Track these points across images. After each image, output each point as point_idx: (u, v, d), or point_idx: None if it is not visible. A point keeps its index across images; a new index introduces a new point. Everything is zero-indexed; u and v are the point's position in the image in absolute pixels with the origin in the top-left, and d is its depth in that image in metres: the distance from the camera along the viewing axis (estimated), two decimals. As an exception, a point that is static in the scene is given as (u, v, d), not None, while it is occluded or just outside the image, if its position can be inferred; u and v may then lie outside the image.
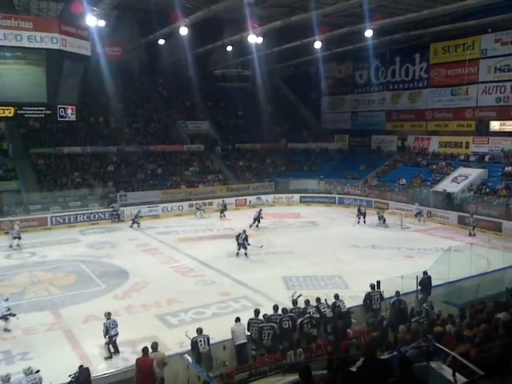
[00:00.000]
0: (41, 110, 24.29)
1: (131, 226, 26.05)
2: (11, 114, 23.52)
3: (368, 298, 12.03)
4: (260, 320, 10.58)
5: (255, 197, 33.17)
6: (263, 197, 33.38)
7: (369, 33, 27.13)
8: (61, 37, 22.64)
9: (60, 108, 24.37)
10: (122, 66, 36.13)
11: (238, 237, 20.05)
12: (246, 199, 32.82)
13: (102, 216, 27.80)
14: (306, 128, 43.42)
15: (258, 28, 27.09)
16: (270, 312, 10.99)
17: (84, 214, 27.42)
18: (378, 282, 12.35)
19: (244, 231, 20.40)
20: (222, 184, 34.53)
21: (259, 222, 25.65)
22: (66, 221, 26.63)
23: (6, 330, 12.70)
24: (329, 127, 42.78)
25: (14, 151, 31.20)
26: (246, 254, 19.84)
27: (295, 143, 40.85)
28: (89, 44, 24.63)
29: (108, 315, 11.57)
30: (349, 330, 10.78)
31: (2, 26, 21.42)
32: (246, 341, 10.23)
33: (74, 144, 33.11)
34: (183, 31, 26.54)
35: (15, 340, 12.19)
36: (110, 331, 11.30)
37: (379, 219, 25.89)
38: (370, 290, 12.19)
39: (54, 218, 26.42)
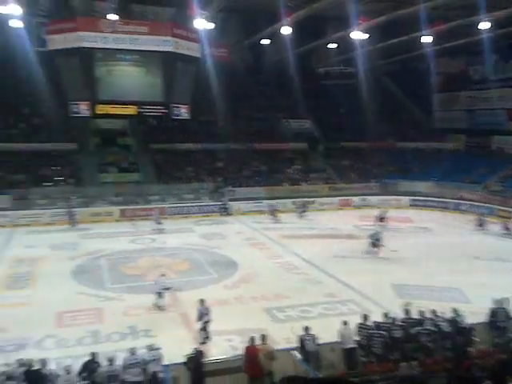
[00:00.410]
0: (158, 109, 26.31)
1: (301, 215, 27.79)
2: (133, 112, 25.81)
3: (493, 314, 10.98)
4: (369, 326, 10.39)
5: (360, 197, 32.69)
6: (368, 198, 32.74)
7: (484, 25, 25.46)
8: (174, 40, 24.31)
9: (175, 107, 26.24)
10: (228, 66, 37.59)
11: (372, 235, 19.91)
12: (349, 199, 32.53)
13: (213, 209, 29.41)
14: (414, 126, 41.73)
15: (362, 24, 26.74)
16: (379, 319, 10.82)
17: (196, 206, 29.29)
18: (505, 299, 11.28)
19: (379, 231, 20.29)
20: (324, 183, 34.62)
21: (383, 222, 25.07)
22: (181, 212, 28.61)
23: (159, 306, 13.82)
24: (441, 126, 40.61)
25: (137, 146, 34.19)
26: (376, 253, 19.46)
27: (403, 142, 39.19)
28: (199, 46, 26.07)
29: (201, 302, 12.19)
30: (470, 349, 9.97)
31: (122, 31, 23.50)
32: (354, 345, 10.16)
33: (187, 141, 35.29)
34: (286, 30, 26.99)
35: (139, 317, 13.42)
36: (204, 317, 11.91)
37: (506, 229, 23.61)
38: (494, 305, 11.17)
39: (170, 209, 28.57)
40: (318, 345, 10.01)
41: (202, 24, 24.82)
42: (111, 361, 9.04)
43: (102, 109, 25.26)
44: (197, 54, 25.81)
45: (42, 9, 32.74)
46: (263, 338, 9.70)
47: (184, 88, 26.30)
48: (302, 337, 9.99)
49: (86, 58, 23.84)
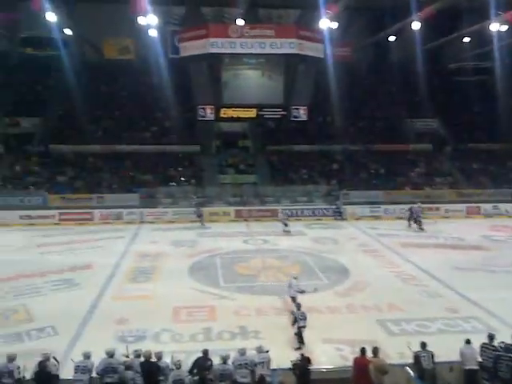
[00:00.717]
0: (277, 111, 26.56)
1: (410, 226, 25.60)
2: (253, 115, 26.37)
3: None
4: (496, 347, 9.39)
5: (491, 205, 29.81)
6: (501, 206, 29.75)
7: None
8: (298, 41, 24.28)
9: (293, 109, 26.30)
10: (349, 65, 36.85)
11: None
12: (479, 207, 29.83)
13: (326, 212, 29.02)
14: None
15: (503, 15, 24.43)
16: (507, 340, 9.67)
17: (309, 209, 29.15)
18: None
19: None
20: (450, 188, 32.26)
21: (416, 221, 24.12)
22: (294, 214, 28.64)
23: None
24: None
25: (254, 148, 35.08)
26: None
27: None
28: (322, 46, 25.83)
29: (298, 306, 11.99)
30: None
31: (249, 36, 24.07)
32: (477, 367, 9.30)
33: (303, 142, 35.29)
34: (415, 26, 25.65)
35: (250, 318, 13.54)
36: (299, 322, 11.66)
37: None
38: None
39: (284, 211, 28.68)
40: (435, 363, 9.29)
41: (326, 24, 24.58)
42: (224, 359, 9.18)
43: (225, 112, 26.24)
44: (320, 55, 25.68)
45: (176, 17, 35.39)
46: (375, 350, 9.22)
47: (304, 89, 26.34)
48: (418, 353, 9.34)
49: (214, 63, 24.98)
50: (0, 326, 13.03)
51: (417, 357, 9.29)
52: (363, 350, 9.10)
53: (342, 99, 36.10)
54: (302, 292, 13.61)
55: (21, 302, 14.77)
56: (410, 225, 25.89)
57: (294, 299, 13.37)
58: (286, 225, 24.77)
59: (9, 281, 16.82)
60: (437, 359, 9.42)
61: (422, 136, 37.16)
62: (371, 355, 9.13)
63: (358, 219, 28.75)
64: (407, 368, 9.27)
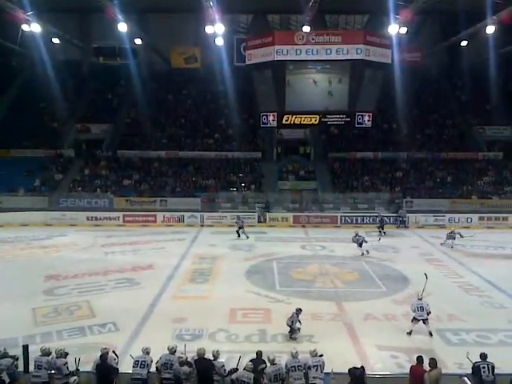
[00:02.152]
0: (341, 118, 26.18)
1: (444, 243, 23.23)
2: (316, 122, 26.18)
3: None
4: None
5: None
6: None
7: None
8: (365, 47, 23.86)
9: (358, 115, 25.81)
10: (418, 71, 35.88)
11: None
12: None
13: (388, 220, 28.31)
14: None
15: None
16: None
17: (370, 217, 28.55)
18: None
19: None
20: (521, 197, 30.47)
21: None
22: (354, 221, 28.24)
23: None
24: None
25: (315, 155, 34.99)
26: None
27: None
28: (390, 52, 25.29)
29: (298, 311, 12.53)
30: None
31: (315, 43, 23.97)
32: None
33: (366, 149, 34.75)
34: (490, 30, 24.56)
35: (304, 323, 13.28)
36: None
37: None
38: None
39: (343, 218, 28.50)
40: (496, 375, 8.85)
41: (395, 29, 24.12)
42: (272, 361, 9.22)
43: (288, 119, 26.26)
44: (387, 61, 25.12)
45: (243, 26, 36.22)
46: (432, 363, 8.89)
47: (369, 95, 25.80)
48: (478, 364, 8.92)
49: (279, 70, 25.09)
50: (65, 320, 13.77)
51: (476, 368, 8.89)
52: (420, 359, 8.87)
53: (410, 106, 35.24)
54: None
55: (85, 298, 15.51)
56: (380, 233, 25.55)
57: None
58: (240, 229, 24.63)
59: (74, 278, 17.76)
60: (497, 371, 8.98)
61: (492, 144, 35.56)
62: (428, 368, 8.79)
63: (420, 228, 27.86)
64: (465, 378, 8.85)
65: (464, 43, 32.46)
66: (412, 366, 8.90)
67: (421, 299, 12.79)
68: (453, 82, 39.88)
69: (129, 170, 33.51)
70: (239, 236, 24.68)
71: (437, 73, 40.35)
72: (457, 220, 28.20)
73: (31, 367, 9.25)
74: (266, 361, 9.22)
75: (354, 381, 8.86)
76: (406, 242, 24.30)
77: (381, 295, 15.95)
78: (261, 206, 28.67)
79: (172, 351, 9.25)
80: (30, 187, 31.19)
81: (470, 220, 28.18)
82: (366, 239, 21.52)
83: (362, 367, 9.12)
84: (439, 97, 39.41)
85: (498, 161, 34.21)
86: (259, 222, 27.08)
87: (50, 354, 9.05)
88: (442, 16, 34.96)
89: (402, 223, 27.93)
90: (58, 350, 9.05)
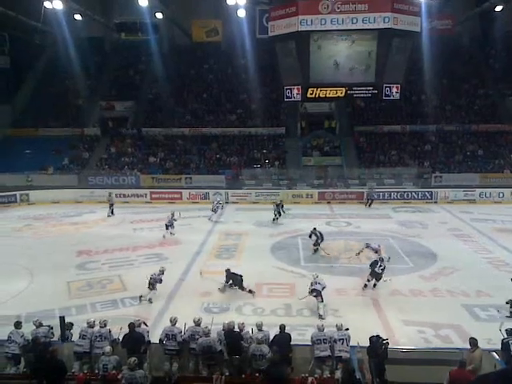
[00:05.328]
0: (368, 90, 25.48)
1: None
2: (342, 94, 25.59)
3: None
4: None
5: None
6: None
7: None
8: (393, 15, 22.96)
9: (386, 87, 25.01)
10: (448, 40, 34.60)
11: None
12: None
13: (415, 195, 27.86)
14: None
15: None
16: None
17: (397, 192, 28.11)
18: None
19: None
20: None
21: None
22: (381, 197, 27.81)
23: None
24: None
25: (340, 129, 34.39)
26: None
27: None
28: (419, 20, 24.36)
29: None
30: None
31: (340, 12, 23.23)
32: None
33: (393, 123, 34.00)
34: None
35: (329, 297, 13.37)
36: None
37: None
38: None
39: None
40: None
41: (425, -5, 23.29)
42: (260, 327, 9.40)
43: (312, 92, 25.73)
44: (416, 29, 24.14)
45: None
46: (473, 340, 8.63)
47: (397, 66, 24.88)
48: (507, 340, 8.80)
49: (302, 41, 24.44)
50: (98, 293, 14.28)
51: (505, 344, 8.76)
52: (462, 363, 7.95)
53: (439, 76, 34.11)
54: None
55: (116, 272, 15.99)
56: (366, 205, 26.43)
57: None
58: (214, 211, 23.75)
59: (105, 253, 18.24)
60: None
61: (527, 115, 34.18)
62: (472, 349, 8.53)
63: (449, 203, 27.28)
64: (494, 354, 8.71)
65: (498, 8, 31.02)
66: (451, 371, 7.88)
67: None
68: (485, 50, 38.31)
69: (154, 147, 33.74)
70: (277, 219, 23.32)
71: (468, 41, 38.85)
72: (488, 195, 27.49)
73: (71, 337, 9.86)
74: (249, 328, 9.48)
75: (371, 347, 8.93)
76: (433, 218, 23.88)
77: (408, 271, 15.81)
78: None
79: (198, 323, 9.48)
80: (58, 166, 31.80)
81: (501, 195, 27.44)
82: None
83: (383, 338, 9.10)
84: (470, 66, 37.87)
85: (531, 133, 33.00)
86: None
87: (95, 326, 9.54)
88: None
89: (369, 202, 26.79)
90: (103, 321, 9.59)
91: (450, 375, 7.82)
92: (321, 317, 12.26)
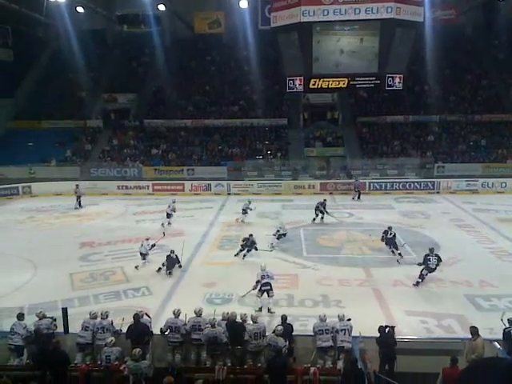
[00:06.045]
0: (371, 80, 25.38)
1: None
2: (344, 85, 25.48)
3: None
4: None
5: None
6: None
7: None
8: (395, 5, 22.77)
9: (388, 77, 24.88)
10: (452, 30, 34.29)
11: None
12: None
13: (418, 186, 27.80)
14: None
15: None
16: None
17: (400, 183, 28.05)
18: None
19: None
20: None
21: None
22: (383, 187, 27.83)
23: None
24: None
25: (343, 120, 34.26)
26: None
27: None
28: (422, 10, 24.18)
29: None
30: None
31: (343, 2, 23.08)
32: None
33: (396, 113, 33.83)
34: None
35: (332, 288, 13.60)
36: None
37: None
38: None
39: (372, 184, 28.08)
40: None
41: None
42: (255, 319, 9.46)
43: (315, 83, 25.62)
44: (419, 19, 24.00)
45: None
46: (474, 329, 8.61)
47: (400, 56, 24.73)
48: (508, 329, 8.87)
49: (305, 32, 24.30)
50: (100, 285, 14.33)
51: (507, 333, 8.81)
52: (455, 360, 7.80)
53: (442, 66, 33.86)
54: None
55: (118, 264, 16.03)
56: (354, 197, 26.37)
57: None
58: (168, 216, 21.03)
59: (108, 245, 18.28)
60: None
61: (530, 105, 33.94)
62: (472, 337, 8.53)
63: (452, 193, 27.23)
64: (495, 343, 8.75)
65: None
66: (444, 369, 7.79)
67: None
68: (489, 39, 37.96)
69: (156, 139, 33.69)
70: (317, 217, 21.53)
71: (472, 31, 38.54)
72: (490, 185, 27.41)
73: (71, 329, 9.86)
74: (250, 320, 9.48)
75: (381, 337, 8.97)
76: (436, 208, 23.83)
77: (410, 261, 15.77)
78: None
79: (199, 314, 9.53)
80: (61, 158, 31.81)
81: (504, 185, 27.34)
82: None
83: (390, 328, 9.18)
84: (474, 56, 37.65)
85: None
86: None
87: (97, 317, 9.62)
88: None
89: (358, 194, 26.33)
90: (104, 312, 9.67)
91: (444, 373, 7.73)
92: (269, 310, 12.16)
